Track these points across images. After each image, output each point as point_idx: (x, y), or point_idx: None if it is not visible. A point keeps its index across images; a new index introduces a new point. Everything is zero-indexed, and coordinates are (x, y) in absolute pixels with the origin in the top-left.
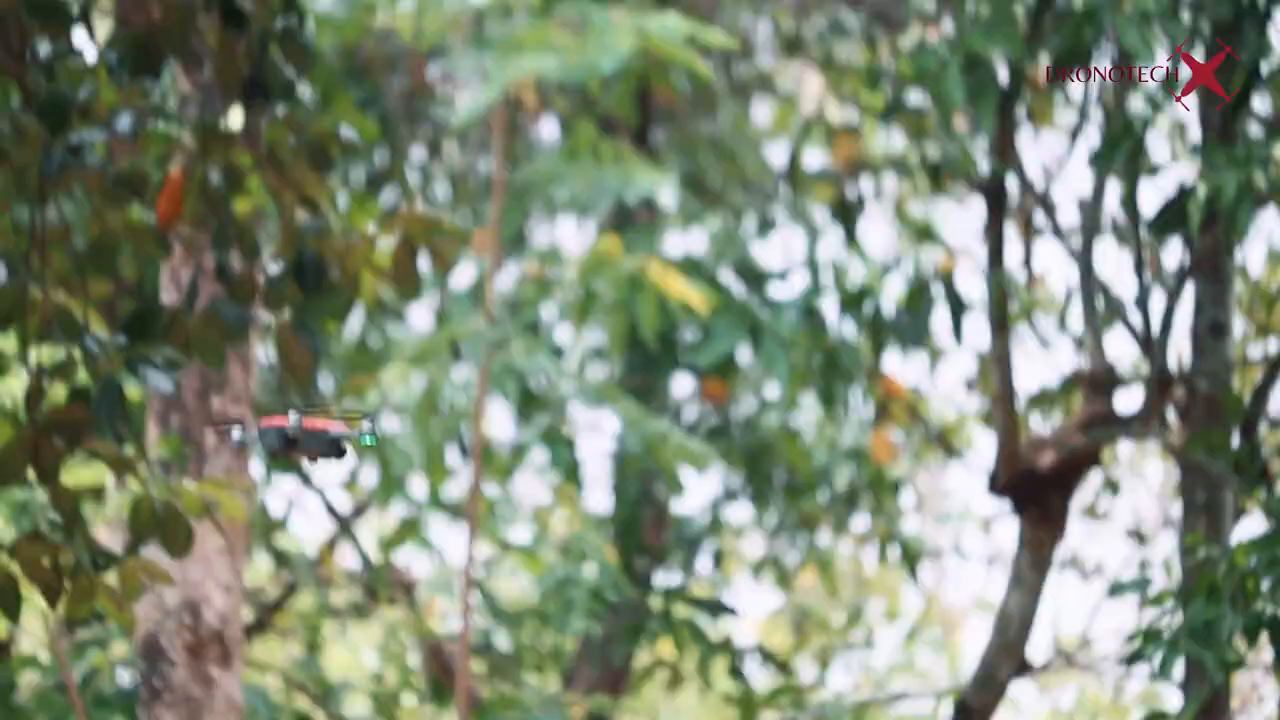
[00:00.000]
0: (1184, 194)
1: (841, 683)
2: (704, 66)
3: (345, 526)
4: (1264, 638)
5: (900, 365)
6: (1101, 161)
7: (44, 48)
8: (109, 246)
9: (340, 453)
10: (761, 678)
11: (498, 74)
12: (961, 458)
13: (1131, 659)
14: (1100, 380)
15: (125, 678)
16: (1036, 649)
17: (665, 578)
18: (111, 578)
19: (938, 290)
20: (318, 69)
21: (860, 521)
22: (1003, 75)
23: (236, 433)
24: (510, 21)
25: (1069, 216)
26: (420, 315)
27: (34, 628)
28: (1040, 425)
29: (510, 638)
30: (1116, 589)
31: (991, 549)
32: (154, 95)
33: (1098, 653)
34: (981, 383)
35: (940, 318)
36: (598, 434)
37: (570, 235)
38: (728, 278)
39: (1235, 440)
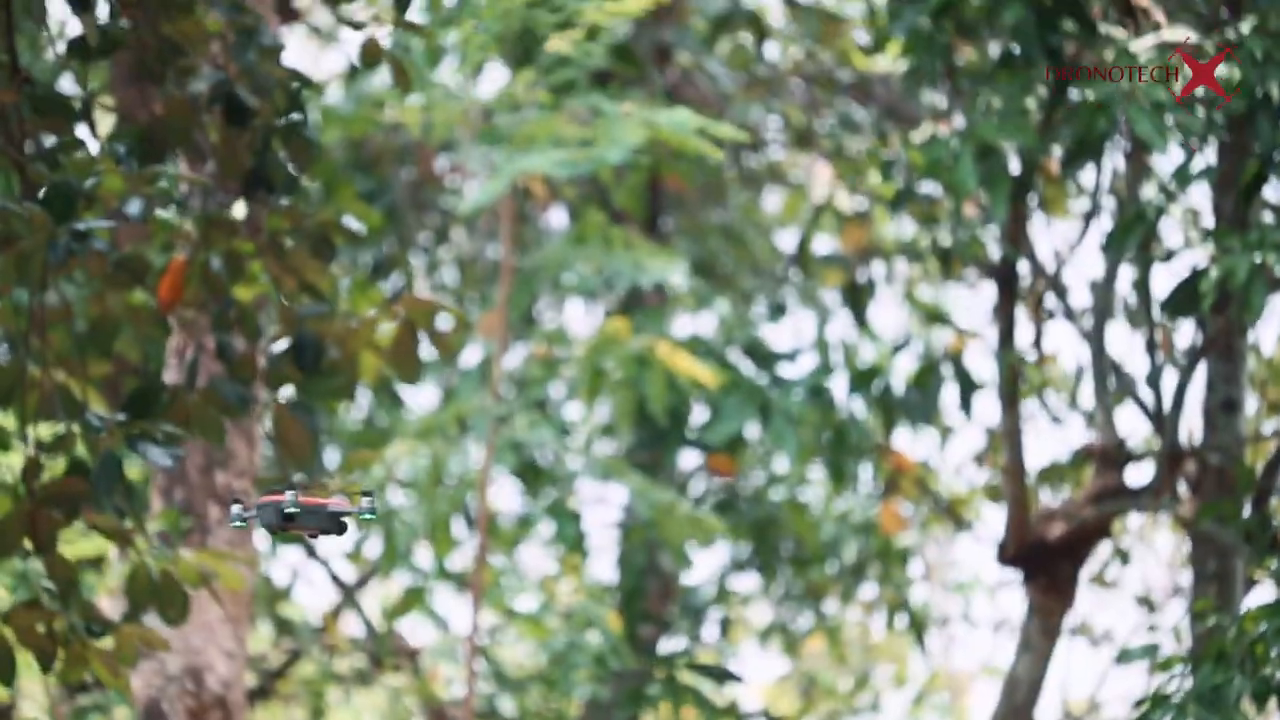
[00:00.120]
0: (1196, 276)
1: None
2: (715, 149)
3: (349, 595)
4: (1272, 703)
5: (910, 441)
6: (1114, 247)
7: (47, 140)
8: (109, 328)
9: (341, 529)
10: None
11: (505, 168)
12: (970, 529)
13: None
14: (1111, 454)
15: None
16: (1045, 714)
17: (671, 645)
18: (108, 644)
19: (947, 369)
20: (320, 162)
21: (868, 590)
22: (1014, 165)
23: (236, 509)
24: (519, 115)
25: (1081, 299)
26: (428, 394)
27: (35, 693)
28: (1050, 498)
29: (515, 703)
30: (1125, 656)
31: (999, 616)
32: (160, 183)
33: (1106, 718)
34: (991, 457)
35: (949, 395)
36: (604, 506)
37: (578, 318)
38: (737, 358)
39: (1246, 511)
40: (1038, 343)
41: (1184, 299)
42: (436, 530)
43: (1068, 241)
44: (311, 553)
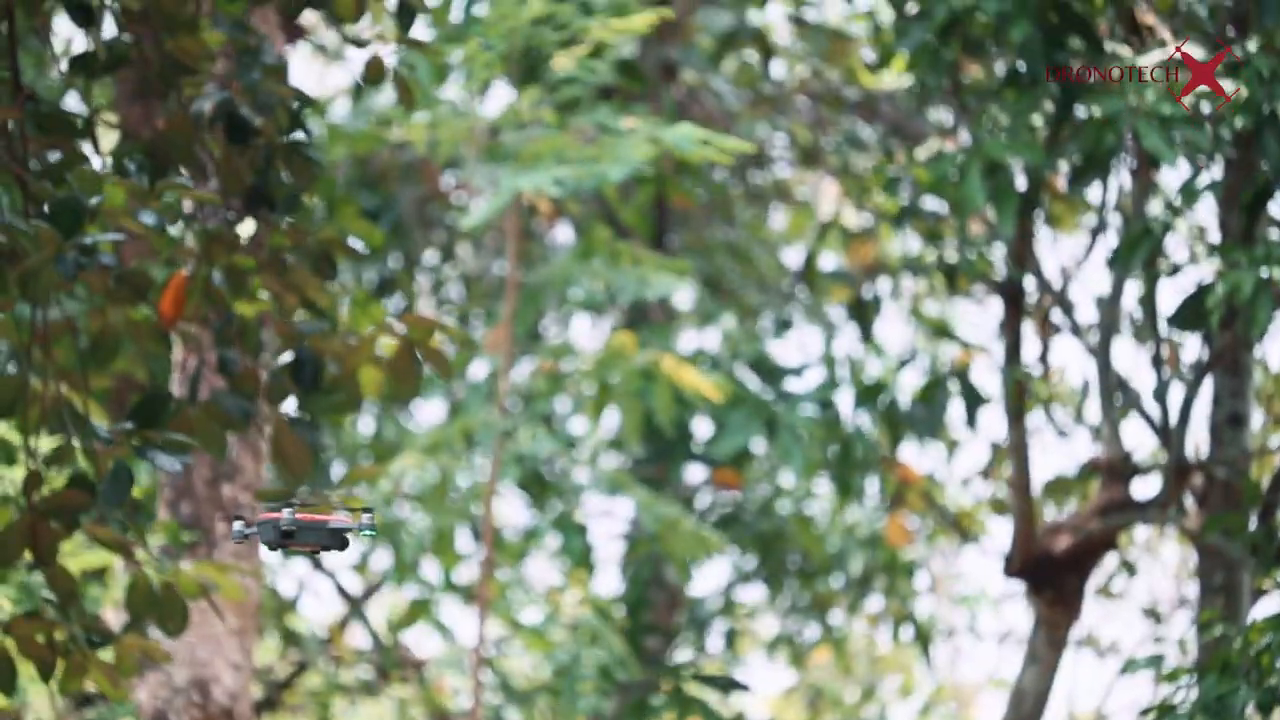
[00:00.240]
0: (1203, 291)
1: None
2: (723, 155)
3: (356, 607)
4: (1277, 713)
5: (916, 454)
6: (1120, 262)
7: (51, 156)
8: (110, 342)
9: (342, 544)
10: None
11: (509, 184)
12: (976, 542)
13: None
14: (1117, 468)
15: None
16: None
17: (677, 657)
18: (110, 656)
19: (953, 384)
20: (322, 180)
21: (874, 602)
22: (1021, 181)
23: (238, 525)
24: (524, 132)
25: (1087, 314)
26: (435, 408)
27: (42, 708)
28: (1056, 511)
29: (521, 715)
30: (1131, 666)
31: (1005, 628)
32: (165, 198)
33: None
34: (996, 471)
35: (956, 410)
36: (610, 519)
37: (585, 333)
38: (743, 373)
39: (1252, 524)
40: (1044, 358)
41: (1190, 314)
42: (443, 543)
43: (1074, 257)
44: (318, 565)
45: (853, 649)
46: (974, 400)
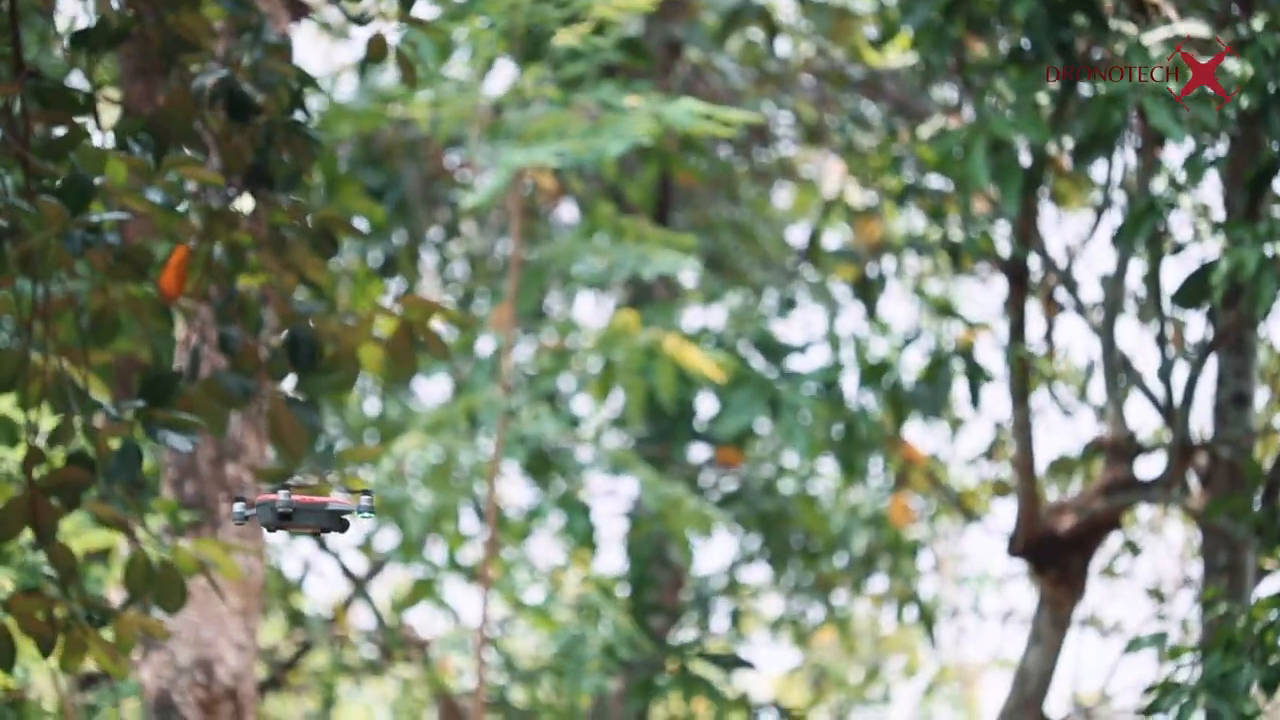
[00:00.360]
0: (1207, 268)
1: None
2: (725, 129)
3: (360, 587)
4: None
5: (920, 434)
6: (1124, 239)
7: (53, 133)
8: (111, 318)
9: (342, 526)
10: None
11: (509, 161)
12: (980, 522)
13: (1149, 711)
14: (1121, 447)
15: None
16: (1055, 705)
17: (681, 636)
18: (110, 634)
19: (957, 363)
20: (323, 159)
21: (878, 582)
22: (1026, 159)
23: (239, 506)
24: (527, 110)
25: (1091, 293)
26: (440, 387)
27: (46, 688)
28: (1060, 491)
29: (526, 694)
30: (1135, 644)
31: (1009, 607)
32: (169, 177)
33: (1117, 708)
34: (1001, 450)
35: (960, 389)
36: (614, 498)
37: (589, 311)
38: (747, 351)
39: (1256, 504)
40: (1048, 336)
41: (1194, 291)
42: (446, 523)
43: (1079, 236)
44: (323, 545)
45: (856, 629)
46: (978, 379)
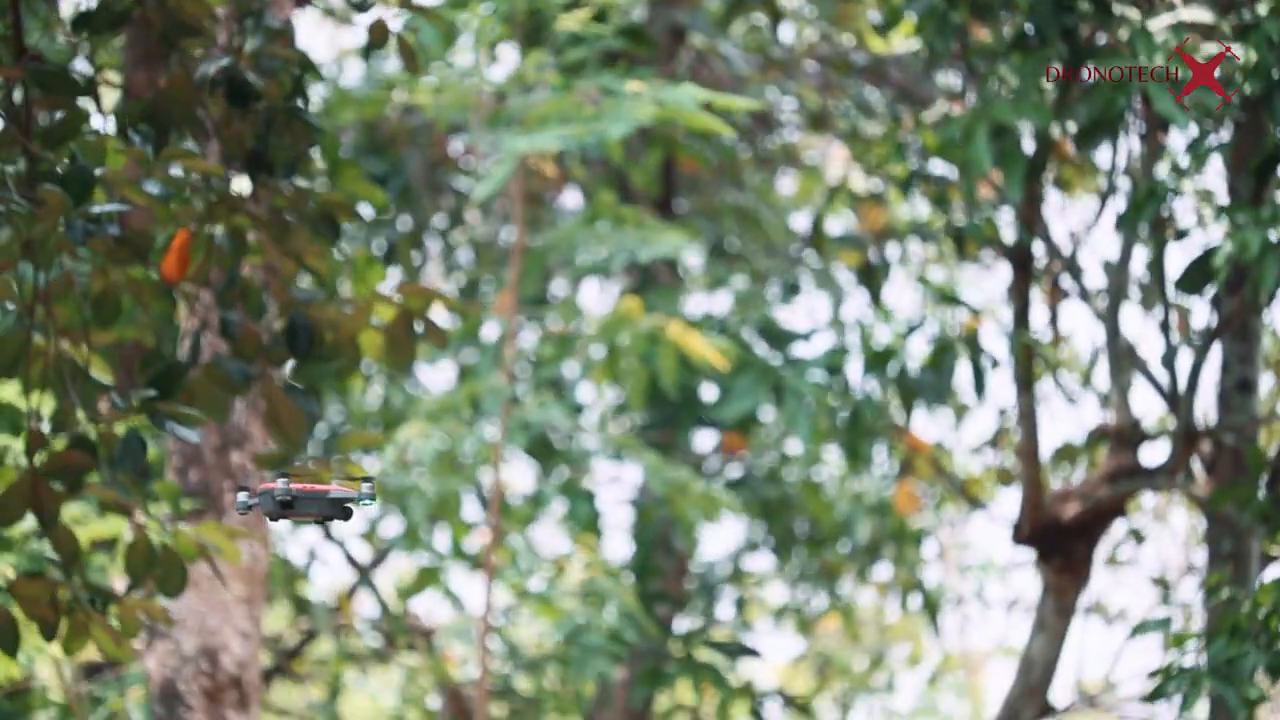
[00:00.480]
0: (1209, 253)
1: None
2: (724, 126)
3: (365, 575)
4: None
5: (925, 421)
6: (1127, 224)
7: (53, 117)
8: (113, 300)
9: (345, 514)
10: None
11: (511, 148)
12: (984, 509)
13: (1154, 696)
14: (1126, 434)
15: None
16: (1059, 693)
17: (686, 624)
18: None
19: (962, 349)
20: (326, 142)
21: (883, 570)
22: (1029, 145)
23: (242, 496)
24: (530, 96)
25: (1096, 280)
26: (445, 373)
27: (51, 679)
28: (1064, 479)
29: (531, 682)
30: (1140, 629)
31: (1013, 595)
32: (171, 170)
33: (1121, 695)
34: (1005, 438)
35: (964, 376)
36: (618, 483)
37: (593, 297)
38: (751, 337)
39: (1261, 491)
40: (1053, 323)
41: (1197, 276)
42: (449, 510)
43: (1083, 222)
44: (328, 533)
45: (861, 617)
46: (982, 366)
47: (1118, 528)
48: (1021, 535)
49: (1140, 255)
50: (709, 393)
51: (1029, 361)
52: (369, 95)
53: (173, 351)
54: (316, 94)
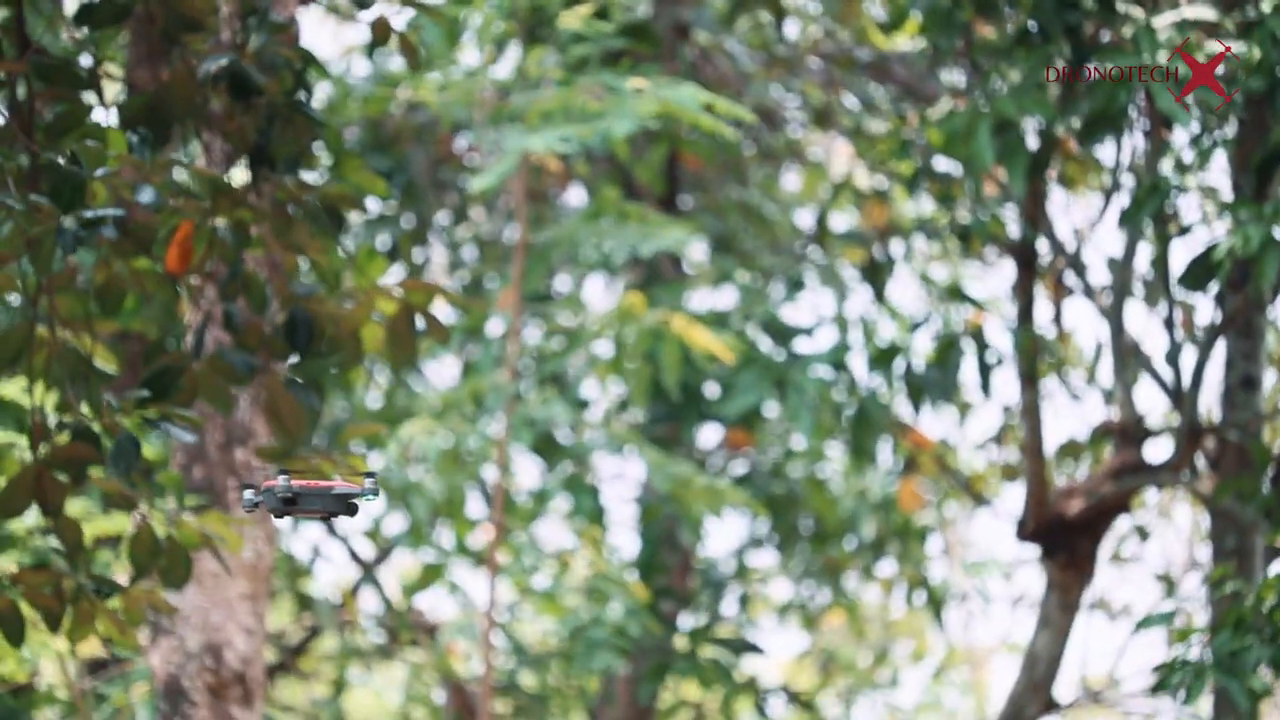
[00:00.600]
0: (1211, 248)
1: None
2: (725, 129)
3: (369, 571)
4: None
5: (929, 418)
6: (1130, 220)
7: (55, 111)
8: (116, 291)
9: (350, 510)
10: (786, 717)
11: (514, 145)
12: (989, 506)
13: (1158, 689)
14: (1130, 431)
15: (146, 719)
16: (1064, 689)
17: (690, 621)
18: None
19: (966, 345)
20: (328, 135)
21: (887, 567)
22: (1033, 140)
23: (248, 493)
24: (534, 93)
25: (1100, 276)
26: (449, 370)
27: (55, 674)
28: (1068, 475)
29: (535, 678)
30: (1144, 624)
31: (1017, 592)
32: (171, 175)
33: (1125, 691)
34: (1010, 434)
35: (968, 372)
36: (622, 480)
37: (597, 293)
38: (755, 333)
39: (1265, 487)
40: (1057, 320)
41: (1200, 272)
42: (453, 507)
43: (1087, 219)
44: (331, 530)
45: (865, 613)
46: (987, 362)
47: (1122, 524)
48: (1026, 531)
49: (1144, 252)
50: (713, 389)
51: (1033, 358)
52: (373, 92)
53: (177, 344)
54: (321, 91)
